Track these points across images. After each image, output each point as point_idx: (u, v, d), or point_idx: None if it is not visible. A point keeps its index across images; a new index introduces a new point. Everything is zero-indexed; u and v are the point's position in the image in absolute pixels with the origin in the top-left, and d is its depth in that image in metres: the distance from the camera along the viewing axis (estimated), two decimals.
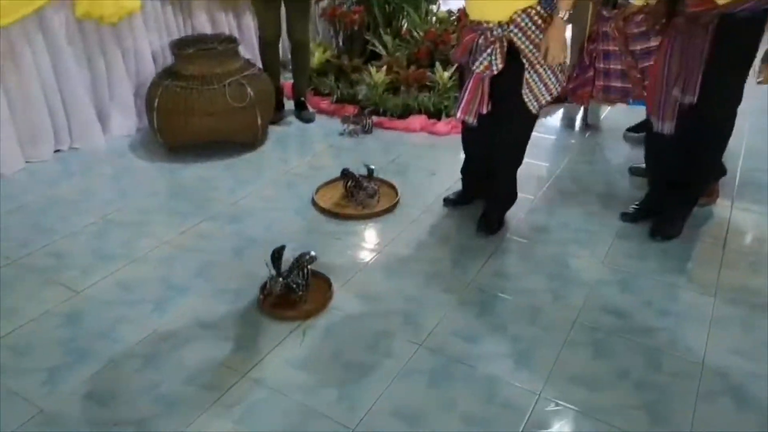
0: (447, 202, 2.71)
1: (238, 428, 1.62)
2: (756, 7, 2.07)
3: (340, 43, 4.38)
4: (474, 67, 2.19)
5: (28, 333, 1.97)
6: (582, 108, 3.65)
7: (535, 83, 2.20)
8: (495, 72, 2.17)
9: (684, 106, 2.27)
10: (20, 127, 3.10)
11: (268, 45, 3.55)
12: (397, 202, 2.78)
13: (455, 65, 3.14)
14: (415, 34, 4.29)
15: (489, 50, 2.14)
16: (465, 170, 2.71)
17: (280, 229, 2.56)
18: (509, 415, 1.68)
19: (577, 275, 2.28)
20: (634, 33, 3.03)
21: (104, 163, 3.19)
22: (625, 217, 2.61)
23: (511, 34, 2.12)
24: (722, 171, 2.75)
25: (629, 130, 3.50)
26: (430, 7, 4.72)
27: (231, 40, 3.41)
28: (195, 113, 3.10)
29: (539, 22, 2.11)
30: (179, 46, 3.27)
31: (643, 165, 2.88)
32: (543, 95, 2.23)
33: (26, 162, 3.13)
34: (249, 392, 1.74)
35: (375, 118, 3.60)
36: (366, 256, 2.40)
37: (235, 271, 2.28)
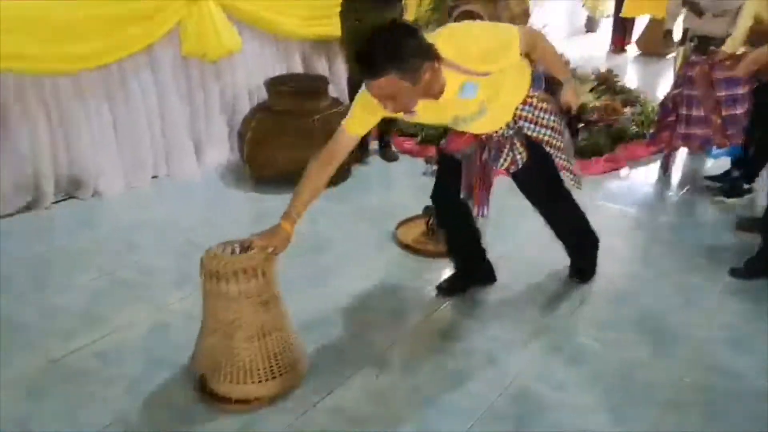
0: (440, 290, 2.31)
1: None
2: None
3: None
4: (498, 165, 1.99)
5: (116, 341, 2.02)
6: (664, 156, 3.45)
7: (565, 161, 2.02)
8: (520, 165, 1.97)
9: None
10: (124, 154, 3.30)
11: (357, 85, 3.62)
12: None
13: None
14: None
15: (508, 147, 1.95)
16: (454, 249, 2.33)
17: (356, 262, 2.53)
18: None
19: (680, 330, 2.09)
20: (720, 78, 2.91)
21: (196, 191, 3.32)
22: (735, 272, 2.38)
23: (524, 130, 1.94)
24: None
25: (707, 177, 3.28)
26: None
27: (322, 79, 3.52)
28: (283, 146, 3.18)
29: (543, 105, 1.94)
30: (273, 83, 3.41)
31: (750, 216, 2.67)
32: (577, 173, 2.10)
33: (126, 186, 3.31)
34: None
35: None
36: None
37: (312, 301, 2.26)
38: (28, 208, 3.00)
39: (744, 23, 2.93)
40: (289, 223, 1.73)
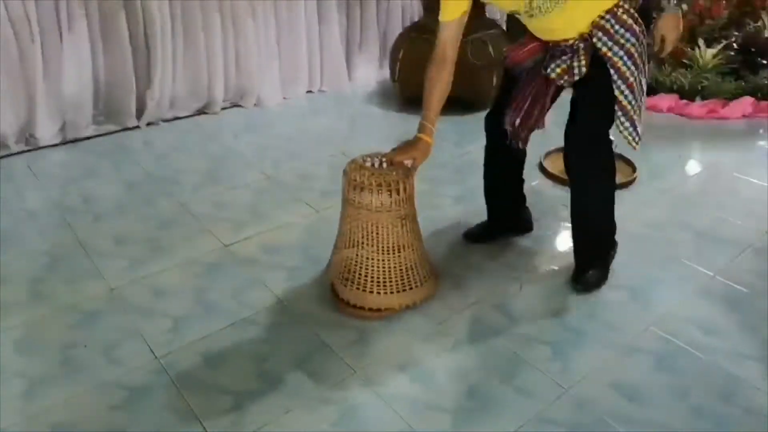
0: (467, 237, 2.17)
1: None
2: None
3: None
4: (548, 72, 1.71)
5: (277, 236, 2.24)
6: None
7: (629, 103, 1.68)
8: (576, 77, 1.68)
9: None
10: (284, 68, 3.49)
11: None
12: (634, 179, 2.57)
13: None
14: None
15: (569, 54, 1.67)
16: (491, 194, 2.11)
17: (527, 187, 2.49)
18: None
19: None
20: None
21: (347, 107, 3.45)
22: None
23: (596, 40, 1.63)
24: None
25: None
26: None
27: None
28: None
29: (629, 22, 1.62)
30: (430, 2, 3.36)
31: None
32: (639, 119, 1.72)
33: (284, 98, 3.52)
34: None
35: None
36: None
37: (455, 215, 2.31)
38: (201, 111, 3.32)
39: None
40: (426, 134, 1.73)
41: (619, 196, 2.43)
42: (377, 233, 1.77)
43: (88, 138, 2.99)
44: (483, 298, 1.90)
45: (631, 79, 1.65)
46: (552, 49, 1.71)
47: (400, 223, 1.78)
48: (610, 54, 1.63)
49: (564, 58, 1.68)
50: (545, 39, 1.74)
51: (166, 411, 1.50)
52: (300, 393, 1.55)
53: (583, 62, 1.65)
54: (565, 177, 2.54)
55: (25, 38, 2.70)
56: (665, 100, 3.24)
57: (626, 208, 2.36)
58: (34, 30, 2.70)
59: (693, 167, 2.77)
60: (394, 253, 1.79)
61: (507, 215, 2.15)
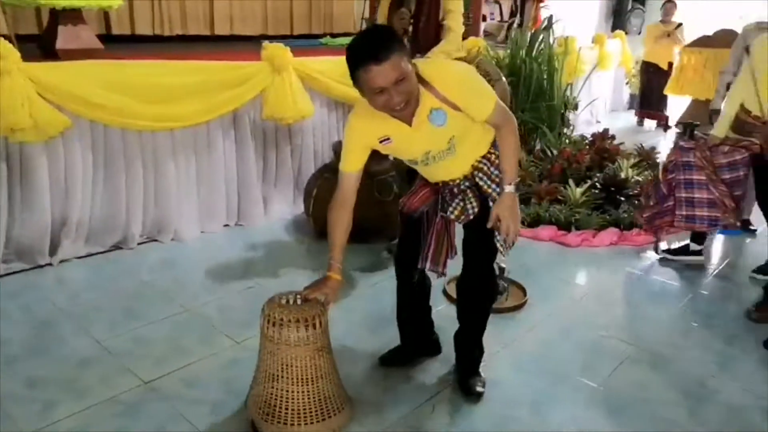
0: (382, 361, 2.35)
1: None
2: None
3: None
4: (448, 214, 2.01)
5: (199, 370, 2.28)
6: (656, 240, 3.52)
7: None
8: (471, 217, 1.98)
9: None
10: (202, 203, 3.67)
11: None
12: (525, 302, 2.90)
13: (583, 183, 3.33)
14: (548, 152, 4.56)
15: (460, 197, 2.00)
16: (404, 322, 2.34)
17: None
18: None
19: (715, 396, 2.22)
20: (723, 163, 3.10)
21: (263, 240, 3.64)
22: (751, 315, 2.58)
23: (476, 179, 1.98)
24: None
25: (756, 271, 3.29)
26: (564, 130, 5.02)
27: None
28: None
29: (498, 162, 1.97)
30: (340, 145, 3.75)
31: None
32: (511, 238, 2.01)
33: (201, 232, 3.66)
34: None
35: None
36: (493, 347, 2.51)
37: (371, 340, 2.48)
38: (118, 246, 3.37)
39: (730, 110, 3.08)
40: (334, 272, 1.91)
41: (513, 318, 2.75)
42: (296, 366, 1.88)
43: None
44: (399, 420, 2.03)
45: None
46: (442, 191, 2.02)
47: (317, 355, 1.91)
48: (489, 190, 1.97)
49: (457, 201, 1.99)
50: (434, 181, 2.05)
51: None
52: None
53: (474, 203, 1.98)
54: None
55: None
56: (546, 230, 3.72)
57: (520, 328, 2.66)
58: None
59: (575, 289, 3.16)
60: (312, 384, 1.90)
61: (418, 340, 2.37)
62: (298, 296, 1.96)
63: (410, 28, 3.17)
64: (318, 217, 3.61)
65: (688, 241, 3.42)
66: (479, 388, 2.17)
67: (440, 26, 3.20)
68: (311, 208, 3.64)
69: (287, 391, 1.89)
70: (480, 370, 2.25)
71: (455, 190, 2.00)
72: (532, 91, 4.68)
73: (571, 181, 4.02)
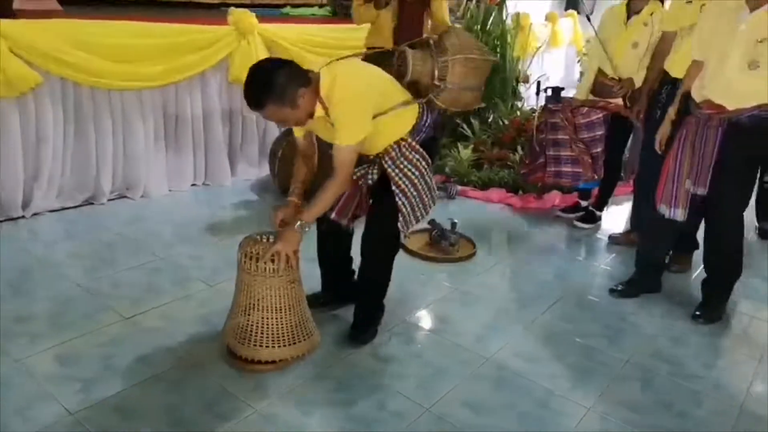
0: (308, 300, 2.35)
1: None
2: (759, 114, 2.30)
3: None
4: (353, 175, 2.17)
5: (175, 308, 2.49)
6: None
7: (406, 208, 2.18)
8: (369, 182, 2.19)
9: (697, 197, 2.47)
10: (170, 162, 3.81)
11: None
12: (474, 253, 3.19)
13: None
14: (500, 122, 4.85)
15: (367, 165, 2.20)
16: (320, 263, 2.50)
17: None
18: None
19: (633, 328, 2.57)
20: (581, 123, 3.49)
21: (230, 198, 3.82)
22: (613, 293, 2.83)
23: (383, 162, 2.16)
24: (695, 245, 3.08)
25: (562, 210, 3.87)
26: (517, 103, 5.32)
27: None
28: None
29: (407, 154, 2.16)
30: None
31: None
32: (410, 221, 2.22)
33: (169, 190, 3.81)
34: None
35: (459, 188, 4.10)
36: (445, 290, 2.80)
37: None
38: (89, 202, 3.49)
39: (589, 75, 3.48)
40: (294, 197, 2.23)
41: (463, 266, 3.04)
42: (270, 296, 2.11)
43: None
44: (358, 348, 2.29)
45: (409, 195, 2.17)
46: (360, 159, 2.17)
47: (290, 287, 2.15)
48: (392, 174, 2.16)
49: (364, 166, 2.20)
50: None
51: None
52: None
53: (375, 174, 2.18)
54: (420, 252, 3.12)
55: None
56: (495, 193, 4.03)
57: (469, 275, 2.96)
58: None
59: (519, 244, 3.47)
60: (284, 312, 2.14)
61: (336, 286, 2.53)
62: (271, 235, 2.18)
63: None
64: (282, 177, 3.80)
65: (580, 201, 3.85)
66: (362, 340, 2.33)
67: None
68: (276, 168, 3.83)
69: (262, 317, 2.11)
70: (375, 327, 2.39)
71: (366, 159, 2.21)
72: None
73: (519, 148, 4.33)
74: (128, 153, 3.60)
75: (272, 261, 2.06)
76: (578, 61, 8.96)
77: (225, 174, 4.03)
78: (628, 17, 3.26)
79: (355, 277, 2.52)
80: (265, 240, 2.19)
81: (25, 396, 1.90)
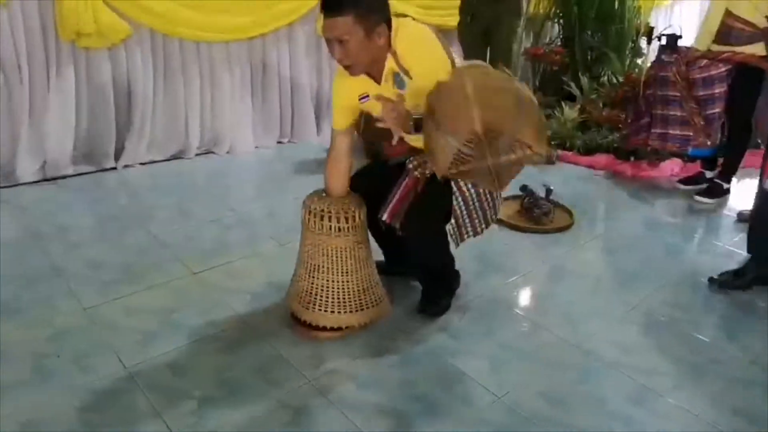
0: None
1: None
2: None
3: (536, 82, 4.56)
4: (407, 162, 1.90)
5: (243, 265, 2.41)
6: None
7: (462, 216, 1.92)
8: (426, 173, 1.88)
9: None
10: (257, 118, 3.76)
11: None
12: (571, 224, 2.84)
13: None
14: (614, 80, 4.33)
15: (423, 156, 1.87)
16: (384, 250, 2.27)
17: None
18: None
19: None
20: (697, 78, 2.91)
21: (313, 157, 3.71)
22: (714, 283, 2.32)
23: None
24: None
25: (681, 181, 3.31)
26: (635, 59, 4.72)
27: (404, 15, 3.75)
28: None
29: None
30: None
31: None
32: (464, 232, 1.95)
33: (255, 147, 3.77)
34: None
35: (560, 152, 3.70)
36: (533, 264, 2.51)
37: None
38: (176, 156, 3.53)
39: (713, 19, 2.85)
40: None
41: (557, 239, 2.72)
42: (336, 257, 1.95)
43: (66, 177, 3.16)
44: (427, 322, 2.08)
45: (469, 200, 1.90)
46: (416, 150, 1.90)
47: (357, 247, 1.97)
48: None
49: (423, 154, 1.85)
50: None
51: (130, 411, 1.63)
52: (258, 397, 1.70)
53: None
54: (509, 221, 2.82)
55: (15, 83, 2.90)
56: (602, 158, 3.59)
57: (562, 248, 2.63)
58: (24, 75, 2.91)
59: (624, 217, 3.06)
60: (351, 275, 1.97)
61: (393, 257, 2.27)
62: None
63: None
64: (368, 134, 3.61)
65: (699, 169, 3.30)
66: (432, 312, 2.10)
67: None
68: (361, 126, 3.65)
69: (327, 280, 1.96)
70: (448, 300, 2.16)
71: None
72: (596, 10, 4.37)
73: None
74: (216, 107, 3.58)
75: (331, 217, 1.88)
76: None
77: (311, 131, 3.93)
78: None
79: None
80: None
81: (86, 344, 1.89)
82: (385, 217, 1.94)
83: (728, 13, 2.83)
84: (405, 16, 1.89)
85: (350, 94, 1.87)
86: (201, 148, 3.62)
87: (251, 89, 3.68)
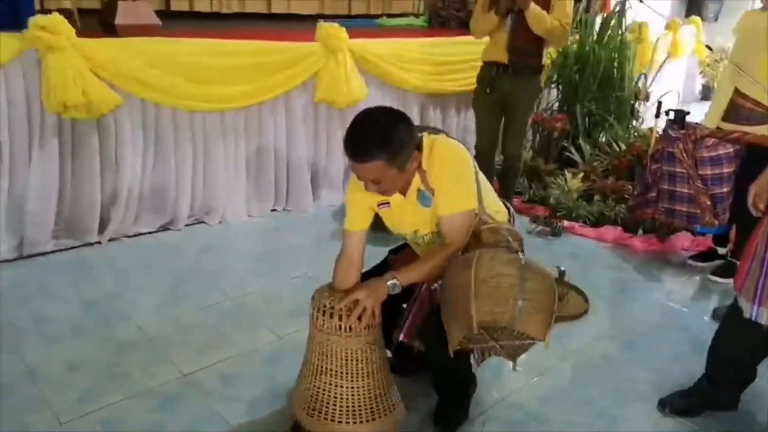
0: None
1: None
2: None
3: (535, 146, 4.49)
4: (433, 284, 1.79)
5: (238, 364, 2.20)
6: None
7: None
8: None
9: None
10: (250, 187, 3.60)
11: (481, 156, 3.44)
12: (586, 310, 2.67)
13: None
14: (614, 146, 4.26)
15: None
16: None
17: None
18: None
19: None
20: (704, 157, 2.83)
21: (311, 226, 3.54)
22: (663, 407, 2.05)
23: None
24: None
25: (693, 257, 3.20)
26: (633, 122, 4.69)
27: (436, 131, 3.66)
28: None
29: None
30: None
31: None
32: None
33: (248, 216, 3.59)
34: None
35: (566, 223, 3.58)
36: (551, 360, 2.33)
37: None
38: (165, 228, 3.33)
39: (722, 97, 2.79)
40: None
41: (573, 328, 2.54)
42: (347, 359, 1.73)
43: (46, 253, 2.94)
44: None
45: None
46: None
47: (370, 348, 1.75)
48: None
49: None
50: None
51: None
52: None
53: None
54: None
55: None
56: (610, 231, 3.47)
57: (581, 340, 2.46)
58: (4, 150, 2.73)
59: (640, 299, 2.91)
60: (364, 380, 1.75)
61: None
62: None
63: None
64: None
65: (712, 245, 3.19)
66: (448, 426, 1.92)
67: (546, 9, 3.15)
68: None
69: (337, 386, 1.74)
70: (464, 407, 1.98)
71: None
72: (599, 79, 4.36)
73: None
74: (208, 176, 3.41)
75: (344, 315, 1.68)
76: (700, 72, 8.08)
77: (307, 199, 3.76)
78: None
79: None
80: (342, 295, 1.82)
81: None
82: (402, 337, 1.80)
83: (737, 92, 2.76)
84: (438, 132, 1.79)
85: (370, 198, 1.74)
86: (191, 217, 3.43)
87: (246, 157, 3.53)
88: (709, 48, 6.57)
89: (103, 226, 3.11)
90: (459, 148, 1.76)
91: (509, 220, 1.90)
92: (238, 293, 2.70)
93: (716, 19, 8.41)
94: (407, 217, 1.78)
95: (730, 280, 2.96)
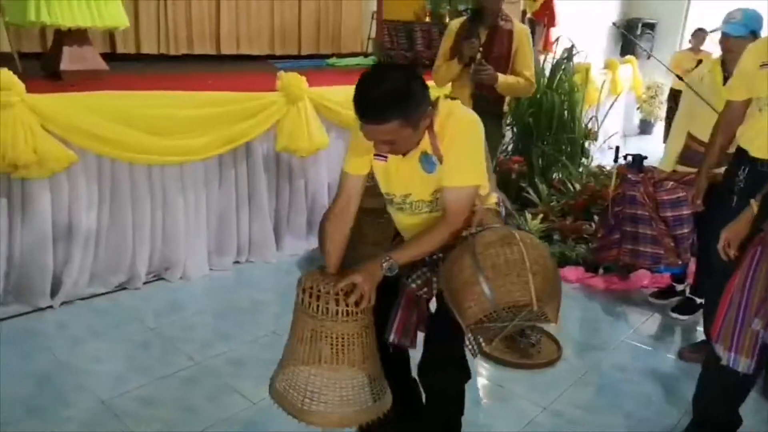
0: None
1: None
2: None
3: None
4: (409, 282, 1.71)
5: None
6: None
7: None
8: (434, 293, 1.72)
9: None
10: (211, 239, 3.49)
11: None
12: (559, 356, 2.71)
13: None
14: (568, 185, 4.39)
15: (428, 267, 1.69)
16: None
17: None
18: None
19: None
20: (665, 199, 2.97)
21: (275, 278, 3.45)
22: None
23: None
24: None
25: (653, 295, 3.31)
26: (583, 160, 4.86)
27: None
28: (365, 241, 3.29)
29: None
30: None
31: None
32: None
33: (210, 269, 3.47)
34: None
35: None
36: (530, 411, 2.32)
37: None
38: (123, 287, 3.17)
39: (677, 142, 2.95)
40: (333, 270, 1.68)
41: (548, 375, 2.55)
42: (343, 344, 1.58)
43: None
44: None
45: None
46: (414, 263, 1.69)
47: (365, 332, 1.61)
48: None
49: (424, 270, 1.69)
50: (405, 235, 1.78)
51: None
52: None
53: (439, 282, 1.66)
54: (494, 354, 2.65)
55: None
56: (572, 272, 3.54)
57: (557, 388, 2.47)
58: None
59: (609, 339, 2.97)
60: (361, 364, 1.61)
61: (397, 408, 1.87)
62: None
63: (479, 56, 3.07)
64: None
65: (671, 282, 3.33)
66: None
67: (509, 58, 3.17)
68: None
69: (332, 371, 1.60)
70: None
71: (426, 258, 1.68)
72: (555, 123, 4.52)
73: (596, 218, 3.85)
74: (167, 230, 3.29)
75: (341, 300, 1.57)
76: (638, 108, 8.52)
77: (270, 250, 3.68)
78: (725, 77, 2.76)
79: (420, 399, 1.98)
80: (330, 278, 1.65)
81: None
82: (392, 337, 1.74)
83: (690, 136, 2.91)
84: (454, 98, 1.72)
85: (369, 145, 1.61)
86: (150, 274, 3.29)
87: (206, 209, 3.43)
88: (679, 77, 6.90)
89: (55, 289, 2.93)
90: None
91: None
92: (203, 357, 2.58)
93: (648, 57, 8.91)
94: (402, 177, 1.66)
95: (690, 317, 3.09)
